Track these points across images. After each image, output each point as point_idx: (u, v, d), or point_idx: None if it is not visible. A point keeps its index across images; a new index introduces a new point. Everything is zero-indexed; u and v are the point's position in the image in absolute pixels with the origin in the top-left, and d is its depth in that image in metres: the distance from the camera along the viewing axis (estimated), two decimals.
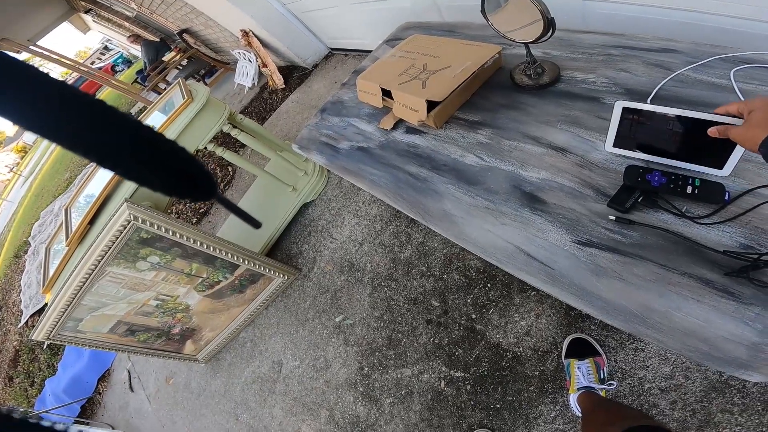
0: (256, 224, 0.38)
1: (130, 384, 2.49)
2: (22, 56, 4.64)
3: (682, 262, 0.63)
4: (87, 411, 2.66)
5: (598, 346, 1.11)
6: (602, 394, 1.04)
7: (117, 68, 14.87)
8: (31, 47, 4.35)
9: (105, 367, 2.76)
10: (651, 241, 0.67)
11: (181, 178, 0.28)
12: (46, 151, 17.80)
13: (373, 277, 1.69)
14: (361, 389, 1.50)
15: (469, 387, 1.28)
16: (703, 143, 0.66)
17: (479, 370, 1.28)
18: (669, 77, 0.82)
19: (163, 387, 2.27)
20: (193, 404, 2.05)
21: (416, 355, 1.43)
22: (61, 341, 1.55)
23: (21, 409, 2.84)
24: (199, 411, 2.01)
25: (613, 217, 0.70)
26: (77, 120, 0.23)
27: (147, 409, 2.29)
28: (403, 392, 1.40)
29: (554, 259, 0.71)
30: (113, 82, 5.12)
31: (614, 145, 0.77)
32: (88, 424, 2.48)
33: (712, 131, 0.62)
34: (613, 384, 1.06)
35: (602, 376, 1.06)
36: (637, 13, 1.17)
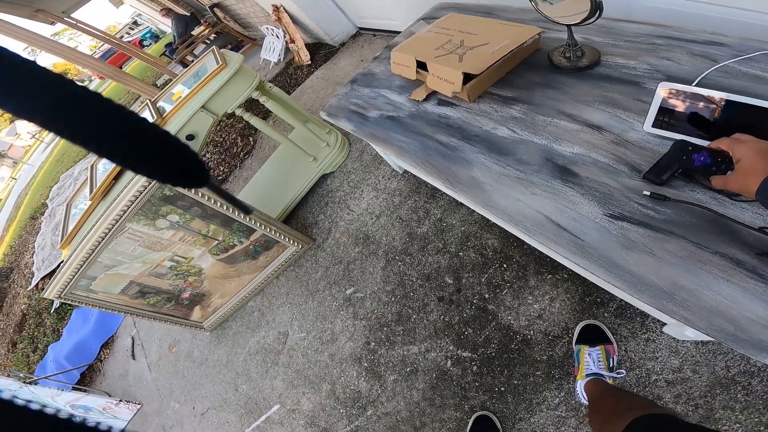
0: (247, 210, 0.39)
1: (133, 351, 2.53)
2: (56, 27, 4.71)
3: (714, 240, 0.63)
4: (86, 378, 2.70)
5: (610, 334, 1.10)
6: (610, 382, 1.04)
7: (145, 42, 15.09)
8: (65, 18, 4.41)
9: (110, 334, 2.80)
10: (684, 219, 0.66)
11: (175, 166, 0.30)
12: None
13: (388, 250, 1.69)
14: (365, 364, 1.50)
15: (475, 368, 1.28)
16: (745, 129, 0.65)
17: (487, 351, 1.28)
18: (714, 67, 0.81)
19: (165, 355, 2.30)
20: (193, 373, 2.08)
21: (425, 332, 1.43)
22: (72, 301, 1.57)
23: (21, 374, 2.89)
24: (198, 380, 2.03)
25: (648, 193, 0.69)
26: (75, 114, 0.24)
27: (147, 378, 2.32)
28: (408, 369, 1.40)
29: (584, 231, 0.71)
30: (142, 54, 5.19)
31: (653, 126, 0.77)
32: (85, 391, 2.50)
33: (715, 183, 0.63)
34: (622, 373, 1.05)
35: (611, 365, 1.06)
36: (685, 8, 1.15)
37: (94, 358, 2.76)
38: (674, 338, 1.04)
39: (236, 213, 1.57)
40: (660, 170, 0.70)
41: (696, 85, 0.80)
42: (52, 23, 4.22)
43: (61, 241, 1.56)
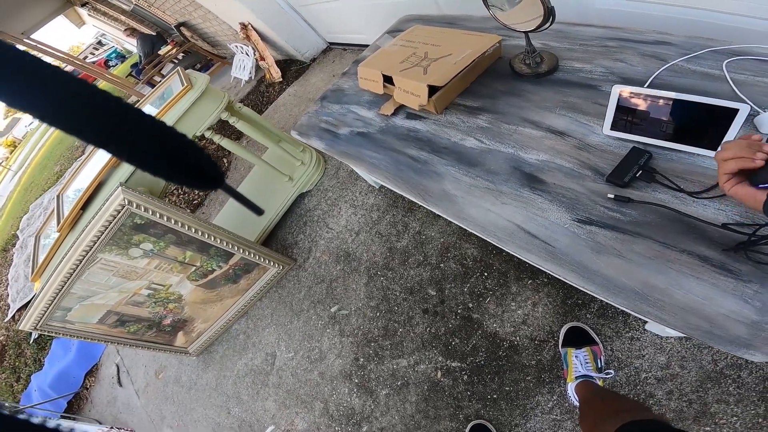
0: (258, 211, 0.38)
1: (119, 378, 2.44)
2: None
3: (680, 239, 0.64)
4: (74, 406, 2.61)
5: (594, 335, 1.11)
6: (600, 383, 1.04)
7: (110, 63, 14.76)
8: (24, 40, 4.29)
9: (93, 362, 2.70)
10: (649, 219, 0.67)
11: (191, 167, 0.30)
12: (36, 145, 17.54)
13: (370, 266, 1.68)
14: (356, 381, 1.48)
15: (465, 377, 1.28)
16: (697, 126, 0.69)
17: (476, 360, 1.28)
18: (664, 67, 0.84)
19: (152, 381, 2.23)
20: (183, 398, 2.02)
21: (412, 345, 1.42)
22: (48, 332, 1.51)
23: (7, 404, 2.78)
24: (189, 405, 1.97)
25: (612, 196, 0.71)
26: (102, 119, 0.25)
27: (136, 404, 2.25)
28: (399, 383, 1.39)
29: (555, 237, 0.71)
30: (107, 75, 5.07)
31: (611, 128, 0.79)
32: (74, 419, 2.44)
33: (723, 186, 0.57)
34: (610, 373, 1.06)
35: (599, 365, 1.06)
36: (633, 8, 1.19)
37: (80, 386, 2.66)
38: (657, 335, 1.05)
39: (213, 238, 1.54)
40: (621, 174, 0.71)
41: (648, 86, 0.83)
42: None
43: (32, 273, 1.50)
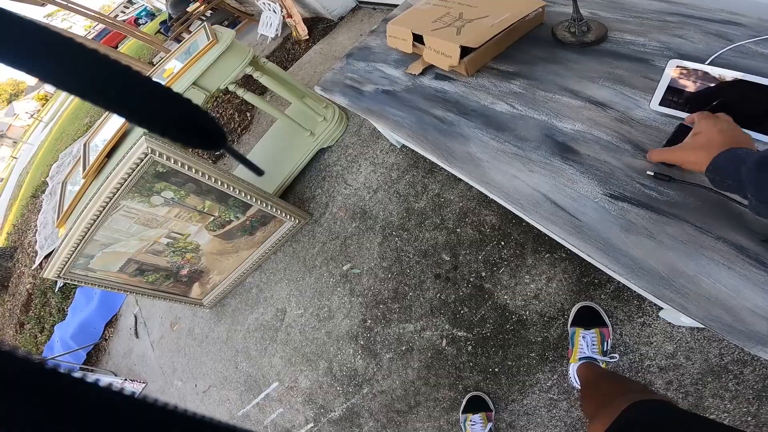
0: (258, 171, 0.40)
1: (136, 330, 2.55)
2: (47, 9, 4.57)
3: (717, 224, 0.60)
4: (93, 357, 2.75)
5: (606, 317, 1.09)
6: (603, 366, 1.03)
7: (140, 21, 14.83)
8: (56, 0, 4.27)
9: (113, 312, 2.82)
10: (688, 201, 0.63)
11: (194, 128, 0.32)
12: (67, 98, 17.92)
13: (385, 225, 1.67)
14: (361, 342, 1.51)
15: (470, 348, 1.29)
16: (758, 109, 0.64)
17: (482, 331, 1.28)
18: (729, 47, 0.76)
19: (167, 333, 2.33)
20: (194, 351, 2.10)
21: (421, 310, 1.43)
22: (71, 280, 1.57)
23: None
24: (200, 358, 2.06)
25: (652, 173, 0.66)
26: (111, 85, 0.27)
27: (150, 356, 2.35)
28: (403, 348, 1.41)
29: (582, 211, 0.68)
30: (137, 33, 5.04)
31: (660, 104, 0.73)
32: (92, 371, 2.55)
33: (656, 156, 0.65)
34: (615, 357, 1.05)
35: (605, 348, 1.05)
36: None
37: (99, 337, 2.79)
38: (670, 323, 1.03)
39: (231, 188, 1.55)
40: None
41: (709, 64, 0.76)
42: (43, 4, 4.10)
43: (58, 219, 1.55)
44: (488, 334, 1.27)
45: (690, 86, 0.69)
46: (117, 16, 17.87)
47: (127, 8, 19.66)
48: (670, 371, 1.00)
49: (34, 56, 0.24)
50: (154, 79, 0.32)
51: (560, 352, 1.15)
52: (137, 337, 2.53)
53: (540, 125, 0.82)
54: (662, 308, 1.03)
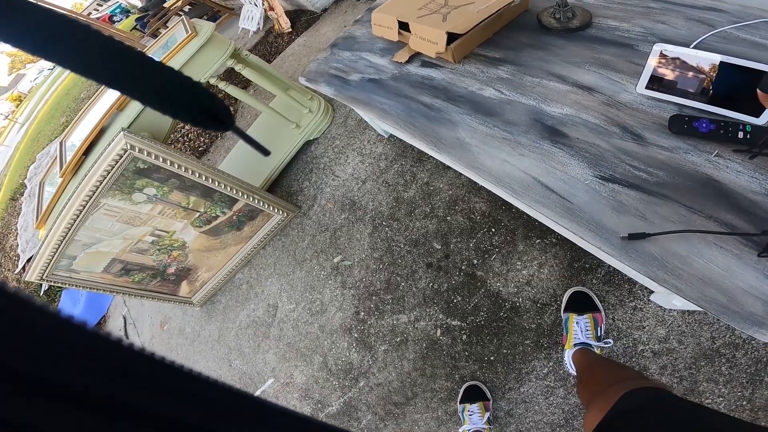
0: (265, 152, 0.43)
1: (125, 331, 2.50)
2: None
3: (708, 204, 0.61)
4: None
5: (598, 302, 1.10)
6: (597, 351, 1.04)
7: (114, 18, 14.40)
8: None
9: (101, 314, 2.75)
10: (677, 181, 0.64)
11: (203, 109, 0.33)
12: (42, 98, 17.38)
13: (375, 216, 1.66)
14: (355, 335, 1.50)
15: (464, 337, 1.29)
16: (741, 91, 0.65)
17: (476, 319, 1.28)
18: (711, 32, 0.77)
19: (157, 333, 2.28)
20: (186, 350, 2.07)
21: (414, 300, 1.42)
22: (55, 282, 1.52)
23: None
24: (192, 357, 2.02)
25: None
26: (121, 66, 0.28)
27: None
28: (398, 339, 1.41)
29: (573, 193, 0.68)
30: (112, 30, 4.92)
31: (646, 87, 0.74)
32: None
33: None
34: (609, 342, 1.05)
35: (599, 334, 1.06)
36: None
37: None
38: (661, 307, 1.04)
39: (216, 183, 1.52)
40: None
41: (693, 48, 0.77)
42: None
43: (36, 221, 1.50)
44: (482, 323, 1.27)
45: (675, 70, 0.70)
46: (90, 14, 17.37)
47: (101, 5, 19.12)
48: (663, 356, 1.00)
49: (53, 42, 0.25)
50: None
51: (554, 338, 1.15)
52: (127, 337, 2.48)
53: (528, 110, 0.81)
54: (653, 292, 1.04)
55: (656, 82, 0.72)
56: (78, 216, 1.34)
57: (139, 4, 5.43)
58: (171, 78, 0.32)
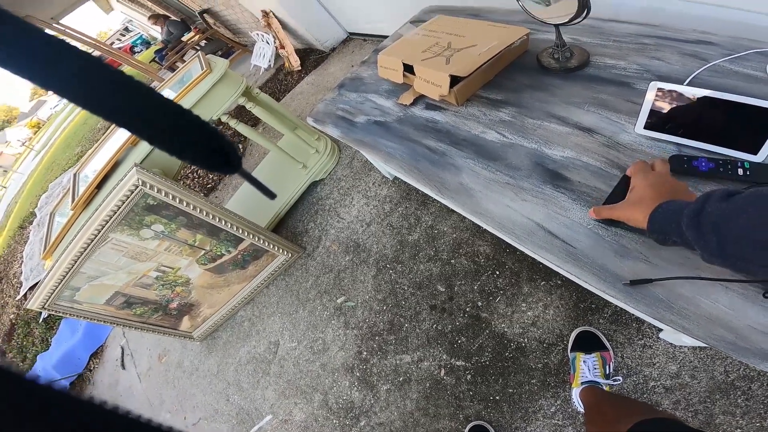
0: (271, 195, 0.41)
1: (122, 361, 2.48)
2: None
3: None
4: (76, 387, 2.66)
5: (606, 341, 1.08)
6: (606, 389, 1.02)
7: (136, 49, 15.17)
8: (54, 25, 4.35)
9: (98, 344, 2.75)
10: None
11: (211, 150, 0.32)
12: (60, 127, 17.98)
13: (379, 258, 1.66)
14: (357, 374, 1.47)
15: (469, 377, 1.25)
16: (738, 128, 0.65)
17: (481, 359, 1.25)
18: (705, 67, 0.79)
19: (155, 365, 2.25)
20: (184, 383, 2.03)
21: (417, 341, 1.40)
22: (56, 311, 1.52)
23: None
24: (189, 390, 1.99)
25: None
26: (130, 104, 0.27)
27: (137, 387, 2.27)
28: (401, 379, 1.37)
29: (576, 238, 0.68)
30: (132, 60, 5.16)
31: (645, 127, 0.75)
32: None
33: (599, 213, 0.64)
34: (618, 380, 1.03)
35: (608, 372, 1.03)
36: (673, 6, 1.13)
37: (83, 367, 2.71)
38: (671, 344, 1.02)
39: (223, 222, 1.54)
40: (615, 197, 0.67)
41: (687, 85, 0.78)
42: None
43: (44, 251, 1.52)
44: (487, 363, 1.24)
45: (672, 108, 0.70)
46: (113, 43, 18.26)
47: (123, 35, 20.16)
48: (676, 391, 0.98)
49: (49, 68, 0.24)
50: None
51: (562, 377, 1.12)
52: (124, 368, 2.44)
53: (530, 153, 0.83)
54: (662, 329, 1.02)
55: (654, 121, 0.73)
56: (85, 249, 1.35)
57: (160, 37, 5.70)
58: (179, 115, 0.30)
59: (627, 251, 0.64)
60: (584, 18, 0.78)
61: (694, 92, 0.67)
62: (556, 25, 0.88)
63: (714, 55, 0.80)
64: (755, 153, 0.65)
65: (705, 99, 0.66)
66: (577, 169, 0.76)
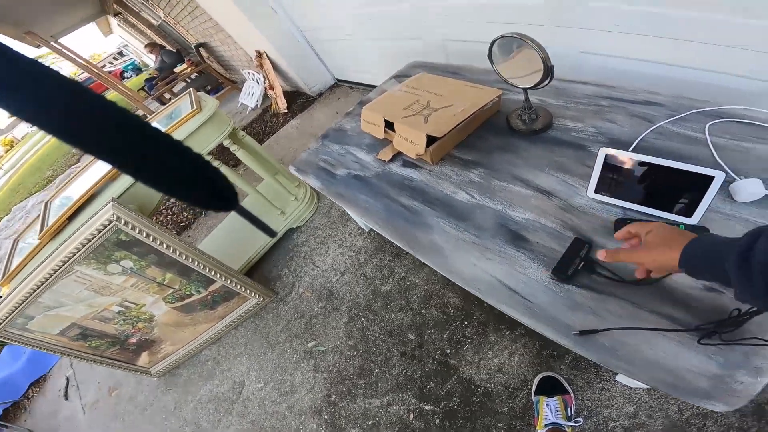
0: (271, 233, 0.40)
1: (66, 392, 2.32)
2: (40, 51, 4.60)
3: (650, 300, 0.68)
4: (9, 414, 2.46)
5: (567, 385, 1.13)
6: (568, 431, 1.05)
7: (126, 74, 15.06)
8: (51, 43, 4.32)
9: (41, 373, 2.59)
10: (623, 283, 0.71)
11: (209, 189, 0.30)
12: (33, 147, 17.25)
13: (352, 306, 1.68)
14: (325, 417, 1.44)
15: (438, 421, 1.26)
16: (674, 192, 0.72)
17: (449, 404, 1.27)
18: (650, 129, 0.89)
19: (103, 398, 2.11)
20: (135, 418, 1.90)
21: (387, 386, 1.40)
22: (4, 338, 1.44)
23: None
24: (140, 426, 1.86)
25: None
26: (119, 139, 0.24)
27: (80, 419, 2.11)
28: (369, 423, 1.35)
29: (534, 294, 0.75)
30: (119, 86, 5.11)
31: (595, 191, 0.82)
32: (7, 427, 2.31)
33: (602, 255, 0.64)
34: (579, 421, 1.07)
35: (569, 414, 1.07)
36: (626, 65, 1.22)
37: (21, 395, 2.52)
38: (627, 386, 1.08)
39: (196, 263, 1.52)
40: (565, 265, 0.75)
41: (633, 149, 0.86)
42: (38, 46, 4.15)
43: (2, 277, 1.45)
44: (455, 407, 1.26)
45: (619, 173, 0.76)
46: (104, 66, 18.06)
47: (116, 59, 20.03)
48: (635, 430, 1.02)
49: (17, 89, 0.21)
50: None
51: (527, 420, 1.15)
52: (66, 399, 2.27)
53: (496, 214, 0.91)
54: (618, 373, 1.07)
55: (603, 186, 0.79)
56: (48, 279, 1.31)
57: (153, 65, 5.71)
58: (172, 147, 0.27)
59: (578, 305, 0.71)
60: (548, 82, 0.86)
61: (637, 158, 0.73)
62: (524, 89, 0.96)
63: (659, 117, 0.90)
64: (689, 216, 0.72)
65: (646, 164, 0.73)
66: (536, 230, 0.84)
